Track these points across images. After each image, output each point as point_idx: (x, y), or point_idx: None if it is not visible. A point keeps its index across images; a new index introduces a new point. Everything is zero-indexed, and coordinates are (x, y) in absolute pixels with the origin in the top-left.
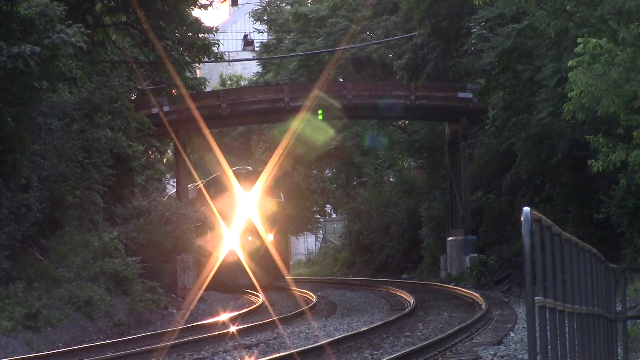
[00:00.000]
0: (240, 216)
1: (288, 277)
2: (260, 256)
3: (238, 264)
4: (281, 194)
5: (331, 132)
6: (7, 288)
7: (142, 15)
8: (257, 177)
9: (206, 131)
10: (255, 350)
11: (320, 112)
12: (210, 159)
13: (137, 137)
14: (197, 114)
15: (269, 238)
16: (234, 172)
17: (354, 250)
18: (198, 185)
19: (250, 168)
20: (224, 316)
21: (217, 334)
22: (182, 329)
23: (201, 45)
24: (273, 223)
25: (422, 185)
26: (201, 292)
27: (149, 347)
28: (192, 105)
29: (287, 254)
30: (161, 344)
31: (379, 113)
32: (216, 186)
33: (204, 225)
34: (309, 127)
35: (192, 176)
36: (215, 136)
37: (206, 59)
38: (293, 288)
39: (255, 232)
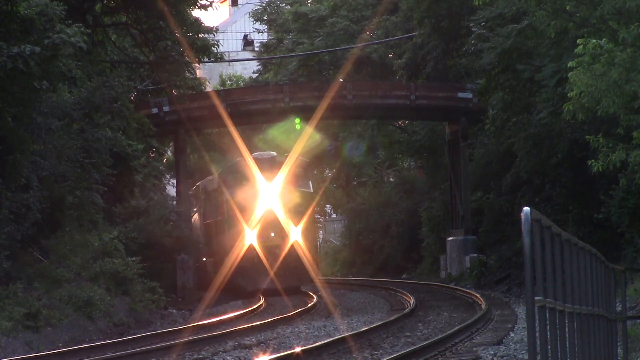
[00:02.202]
0: (262, 209)
1: (319, 278)
2: (285, 255)
3: (257, 265)
4: (309, 182)
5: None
6: (7, 288)
7: (142, 15)
8: (281, 164)
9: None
10: (255, 350)
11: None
12: (213, 158)
13: (137, 137)
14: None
15: (294, 234)
16: (255, 158)
17: (354, 250)
18: (215, 175)
19: (274, 153)
20: (225, 317)
21: (217, 334)
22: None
23: (201, 46)
24: (300, 216)
25: (422, 185)
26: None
27: (150, 347)
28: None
29: (317, 252)
30: (162, 344)
31: (379, 113)
32: (234, 175)
33: (222, 220)
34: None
35: (193, 176)
36: (215, 136)
37: (206, 59)
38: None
39: (278, 227)
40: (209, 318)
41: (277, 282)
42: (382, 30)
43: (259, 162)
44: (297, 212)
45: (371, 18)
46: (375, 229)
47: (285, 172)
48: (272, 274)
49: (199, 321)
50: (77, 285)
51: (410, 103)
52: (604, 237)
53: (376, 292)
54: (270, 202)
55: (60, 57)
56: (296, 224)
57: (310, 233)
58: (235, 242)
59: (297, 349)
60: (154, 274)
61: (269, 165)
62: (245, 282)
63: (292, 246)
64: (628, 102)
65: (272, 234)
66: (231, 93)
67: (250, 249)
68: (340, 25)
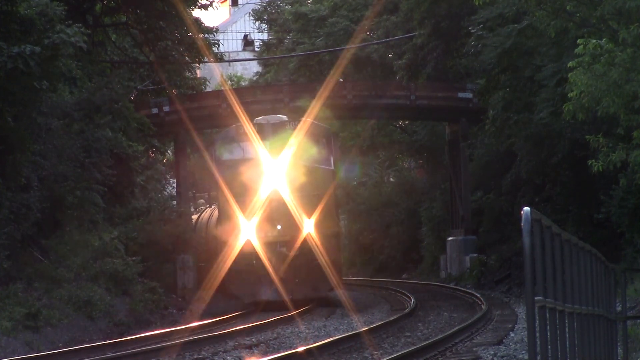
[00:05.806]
0: (264, 191)
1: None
2: (295, 255)
3: (257, 268)
4: (331, 158)
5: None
6: (7, 288)
7: (142, 15)
8: (292, 132)
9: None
10: (255, 350)
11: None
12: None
13: (137, 137)
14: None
15: (308, 226)
16: (257, 123)
17: (354, 250)
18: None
19: (283, 117)
20: (225, 316)
21: (217, 334)
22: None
23: (201, 46)
24: (316, 202)
25: (422, 185)
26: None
27: (150, 347)
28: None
29: (339, 250)
30: (162, 344)
31: (379, 113)
32: (230, 145)
33: (223, 211)
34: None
35: (193, 176)
36: (215, 136)
37: (206, 60)
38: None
39: (287, 217)
40: (209, 318)
41: (285, 292)
42: (382, 30)
43: (261, 128)
44: (313, 197)
45: (369, 17)
46: (375, 229)
47: (297, 142)
48: (277, 280)
49: (199, 321)
50: (77, 285)
51: (410, 103)
52: (604, 237)
53: (376, 292)
54: (276, 183)
55: (61, 57)
56: (311, 212)
57: (330, 225)
58: (228, 238)
59: (300, 348)
60: (154, 274)
61: (276, 132)
62: (240, 291)
63: (304, 242)
64: (628, 102)
65: (278, 226)
66: (230, 93)
67: (247, 246)
68: (340, 25)
